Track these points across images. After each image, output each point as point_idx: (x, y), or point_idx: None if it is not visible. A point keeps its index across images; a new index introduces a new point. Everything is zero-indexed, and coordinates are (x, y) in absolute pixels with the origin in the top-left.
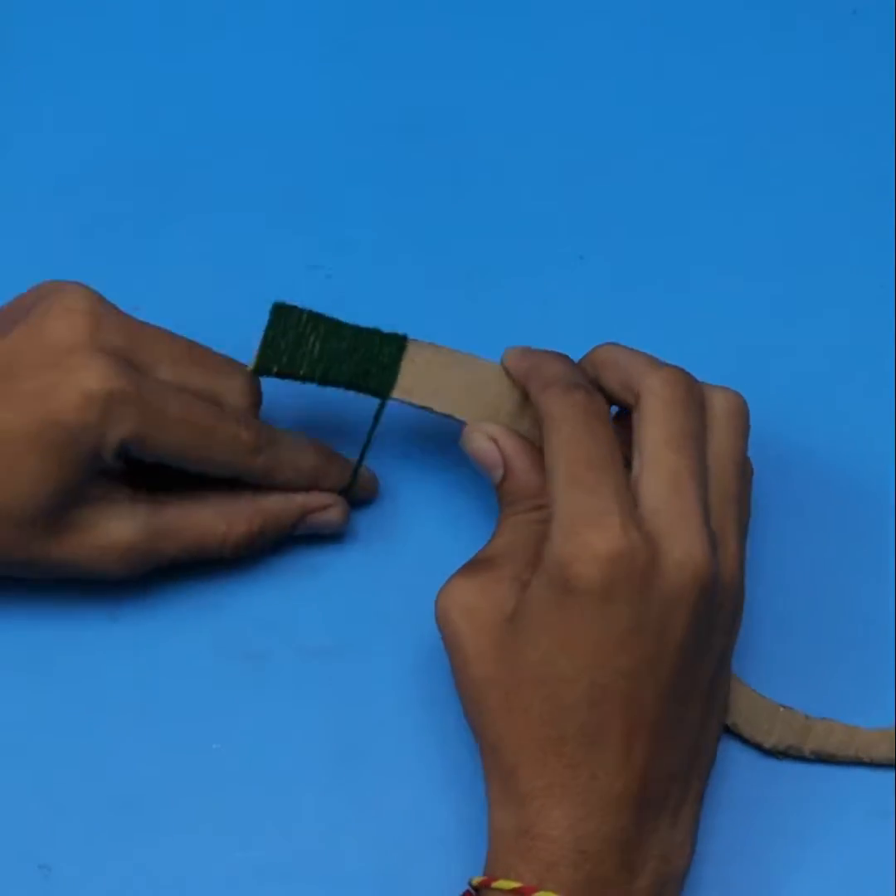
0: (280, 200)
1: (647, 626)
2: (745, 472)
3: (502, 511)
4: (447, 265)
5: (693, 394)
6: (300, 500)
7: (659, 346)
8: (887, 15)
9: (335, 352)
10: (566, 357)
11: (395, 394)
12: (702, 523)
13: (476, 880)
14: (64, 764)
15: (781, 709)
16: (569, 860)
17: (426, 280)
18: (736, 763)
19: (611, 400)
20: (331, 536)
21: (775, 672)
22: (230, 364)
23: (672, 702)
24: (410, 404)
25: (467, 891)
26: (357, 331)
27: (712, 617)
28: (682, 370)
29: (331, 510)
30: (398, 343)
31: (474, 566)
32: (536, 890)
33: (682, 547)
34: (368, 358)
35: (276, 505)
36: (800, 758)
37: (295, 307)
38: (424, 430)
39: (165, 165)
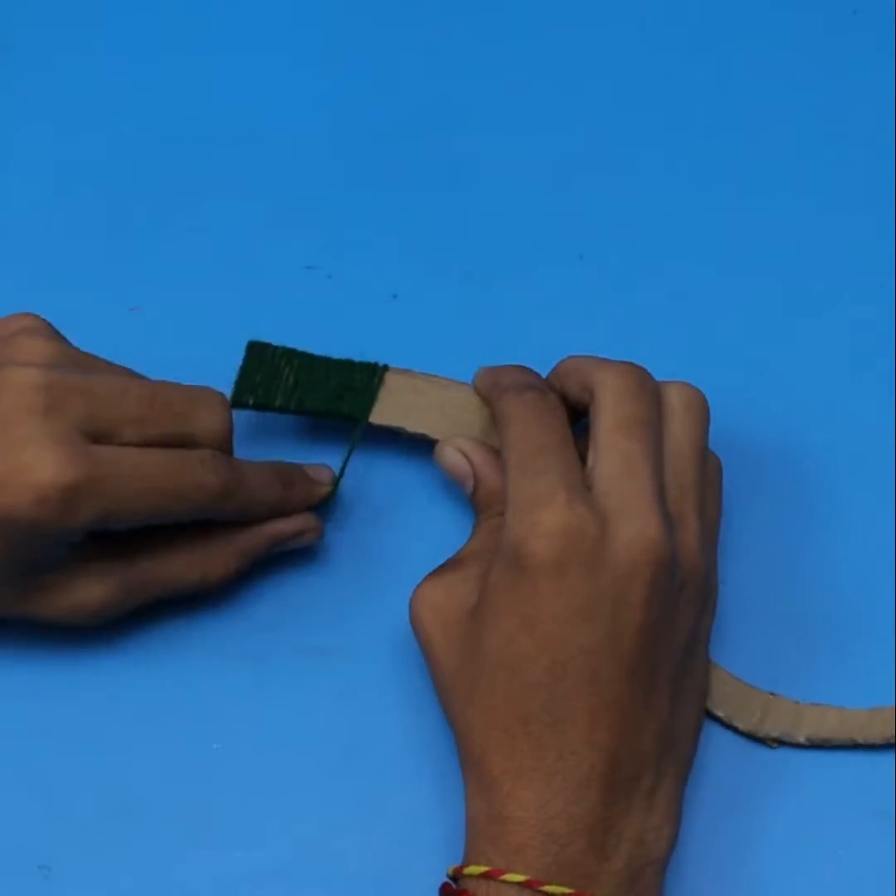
0: (279, 201)
1: (603, 602)
2: (709, 461)
3: (476, 518)
4: (447, 265)
5: (645, 385)
6: (269, 531)
7: (658, 345)
8: (887, 15)
9: (309, 381)
10: (525, 367)
11: (370, 418)
12: (654, 503)
13: (451, 869)
14: (64, 764)
15: (770, 696)
16: (537, 842)
17: (425, 280)
18: (733, 762)
19: (575, 406)
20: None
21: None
22: (197, 399)
23: (636, 682)
24: (386, 427)
25: (445, 882)
26: (330, 361)
27: (673, 597)
28: (633, 364)
29: (301, 536)
30: (371, 370)
31: (444, 568)
32: (504, 873)
33: (634, 525)
34: (342, 385)
35: (248, 541)
36: (794, 745)
37: (269, 344)
38: None
39: (164, 166)
